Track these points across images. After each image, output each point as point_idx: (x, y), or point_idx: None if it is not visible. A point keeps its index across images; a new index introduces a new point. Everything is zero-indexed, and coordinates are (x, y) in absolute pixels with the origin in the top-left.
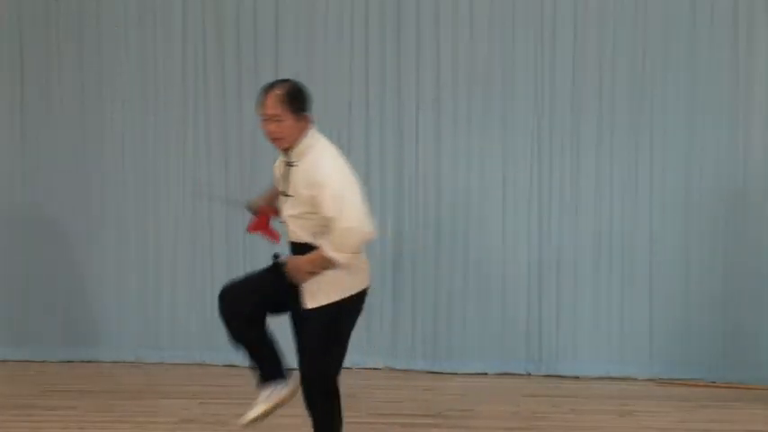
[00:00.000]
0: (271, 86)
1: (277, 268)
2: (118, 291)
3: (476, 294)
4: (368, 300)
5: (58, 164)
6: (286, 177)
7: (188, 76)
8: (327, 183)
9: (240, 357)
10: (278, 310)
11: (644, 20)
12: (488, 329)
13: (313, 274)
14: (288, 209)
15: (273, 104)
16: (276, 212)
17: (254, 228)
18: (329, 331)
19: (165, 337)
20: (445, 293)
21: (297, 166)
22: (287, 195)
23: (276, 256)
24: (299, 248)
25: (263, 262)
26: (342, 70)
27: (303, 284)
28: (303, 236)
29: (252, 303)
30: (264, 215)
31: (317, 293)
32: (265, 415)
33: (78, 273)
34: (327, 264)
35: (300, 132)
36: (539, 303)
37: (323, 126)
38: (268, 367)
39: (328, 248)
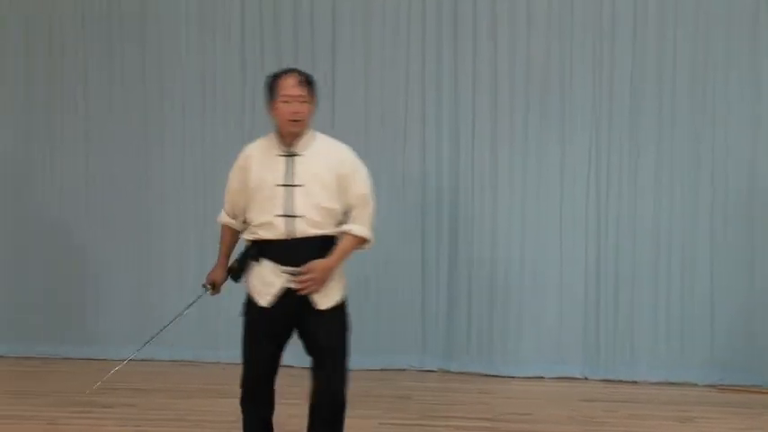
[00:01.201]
0: (293, 70)
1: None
2: (178, 290)
3: (532, 297)
4: (424, 301)
5: (119, 164)
6: (285, 168)
7: (247, 78)
8: (356, 163)
9: (294, 358)
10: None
11: (705, 18)
12: (545, 332)
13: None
14: (300, 199)
15: (303, 86)
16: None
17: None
18: (347, 328)
19: (222, 336)
20: (501, 295)
21: (303, 155)
22: (293, 186)
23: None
24: (311, 242)
25: None
26: (398, 73)
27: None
28: (322, 224)
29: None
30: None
31: (330, 291)
32: None
33: (139, 272)
34: (357, 247)
35: (311, 120)
36: (596, 306)
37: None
38: None
39: (359, 230)
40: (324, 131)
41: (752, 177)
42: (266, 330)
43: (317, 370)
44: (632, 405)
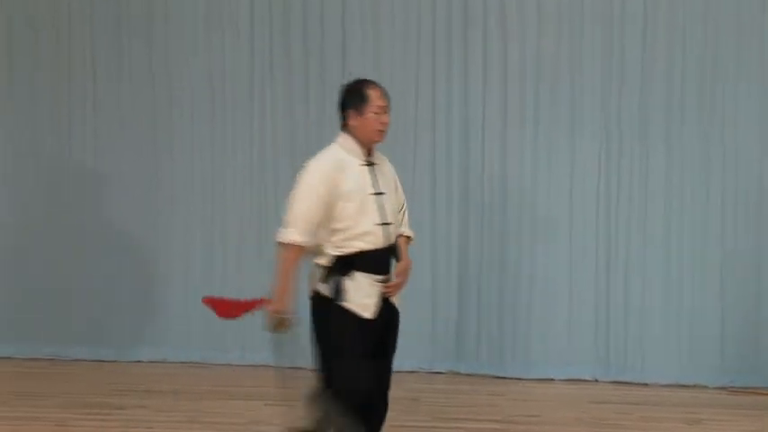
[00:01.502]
0: (373, 81)
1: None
2: (185, 292)
3: (542, 298)
4: (434, 303)
5: (129, 164)
6: (371, 177)
7: (255, 78)
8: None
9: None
10: None
11: (714, 18)
12: (555, 334)
13: None
14: (387, 207)
15: (386, 97)
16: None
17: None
18: None
19: (231, 338)
20: (511, 297)
21: (377, 164)
22: (380, 194)
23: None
24: (393, 250)
25: None
26: (408, 70)
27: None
28: (398, 230)
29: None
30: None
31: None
32: None
33: (147, 274)
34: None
35: None
36: (606, 308)
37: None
38: None
39: (409, 231)
40: (334, 131)
41: (762, 180)
42: (373, 342)
43: (381, 369)
44: (642, 407)
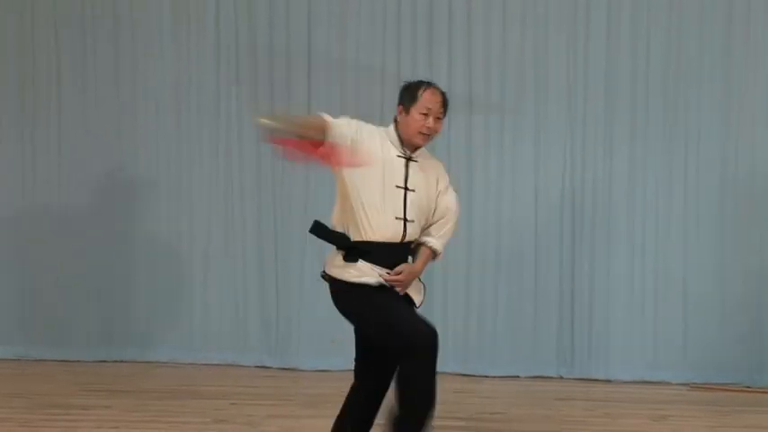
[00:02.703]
0: (433, 84)
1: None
2: (151, 291)
3: (507, 295)
4: None
5: (92, 164)
6: (404, 171)
7: (221, 78)
8: (448, 179)
9: (271, 359)
10: None
11: (678, 16)
12: (520, 331)
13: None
14: (411, 204)
15: (441, 104)
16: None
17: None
18: None
19: (197, 337)
20: (476, 294)
21: (417, 162)
22: (406, 189)
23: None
24: (407, 248)
25: (294, 264)
26: (373, 76)
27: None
28: (417, 233)
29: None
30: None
31: (422, 290)
32: None
33: (112, 273)
34: (430, 260)
35: None
36: (571, 305)
37: None
38: None
39: (436, 243)
40: None
41: (723, 179)
42: (392, 294)
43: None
44: (607, 404)
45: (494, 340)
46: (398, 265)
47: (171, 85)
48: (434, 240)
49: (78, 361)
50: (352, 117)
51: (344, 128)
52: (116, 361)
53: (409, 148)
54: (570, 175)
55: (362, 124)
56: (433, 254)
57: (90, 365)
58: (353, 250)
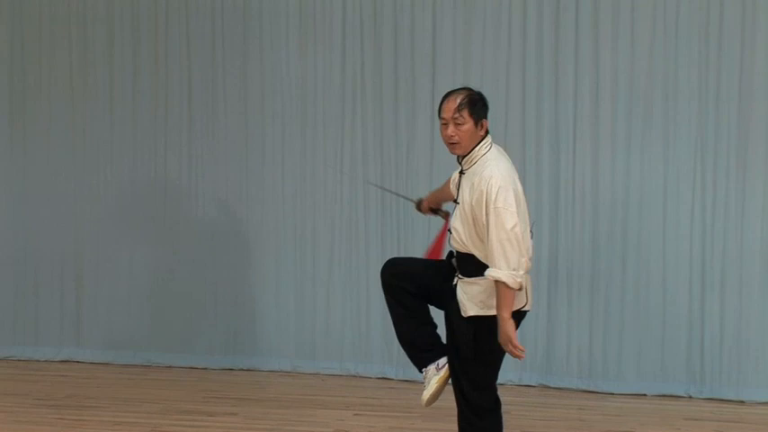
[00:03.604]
0: (451, 92)
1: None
2: (276, 301)
3: (634, 312)
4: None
5: (220, 176)
6: (458, 185)
7: (346, 87)
8: (492, 192)
9: (393, 370)
10: (435, 303)
11: None
12: (647, 348)
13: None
14: (455, 218)
15: (454, 108)
16: (438, 208)
17: (430, 255)
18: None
19: (320, 348)
20: (602, 310)
21: (466, 174)
22: (456, 203)
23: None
24: (463, 258)
25: None
26: (499, 81)
27: (460, 295)
28: (465, 244)
29: (416, 284)
30: (440, 242)
31: (473, 299)
32: (440, 389)
33: (239, 283)
34: (506, 292)
35: (476, 139)
36: (701, 322)
37: None
38: (428, 347)
39: (492, 272)
40: (424, 141)
41: None
42: (441, 268)
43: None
44: (738, 425)
45: (619, 357)
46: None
47: (297, 94)
48: (490, 269)
49: (205, 368)
50: None
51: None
52: (241, 369)
53: (462, 161)
54: (701, 190)
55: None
56: (498, 283)
57: (216, 373)
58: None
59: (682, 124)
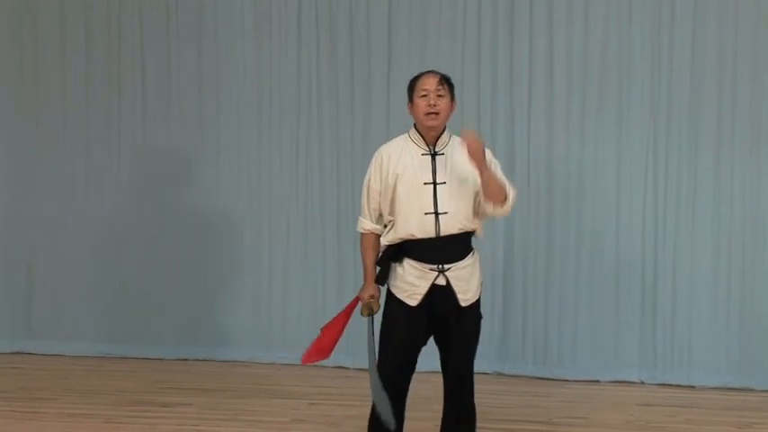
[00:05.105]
0: (429, 71)
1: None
2: (231, 291)
3: (588, 299)
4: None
5: (174, 167)
6: (428, 168)
7: (302, 78)
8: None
9: (350, 360)
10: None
11: (767, 14)
12: (601, 335)
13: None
14: (444, 197)
15: (437, 81)
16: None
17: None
18: (480, 327)
19: (276, 338)
20: (557, 297)
21: (444, 154)
22: (435, 184)
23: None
24: (455, 239)
25: None
26: (454, 70)
27: (456, 287)
28: (464, 220)
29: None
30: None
31: (471, 288)
32: None
33: (194, 273)
34: (498, 193)
35: (448, 117)
36: (653, 309)
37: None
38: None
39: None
40: (380, 132)
41: None
42: (409, 331)
43: (452, 370)
44: (690, 410)
45: (574, 344)
46: (440, 260)
47: (254, 87)
48: (511, 193)
49: (160, 359)
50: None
51: (373, 204)
52: (196, 359)
53: (431, 140)
54: (653, 176)
55: (372, 171)
56: (504, 197)
57: (171, 363)
58: (391, 249)
59: (634, 110)
